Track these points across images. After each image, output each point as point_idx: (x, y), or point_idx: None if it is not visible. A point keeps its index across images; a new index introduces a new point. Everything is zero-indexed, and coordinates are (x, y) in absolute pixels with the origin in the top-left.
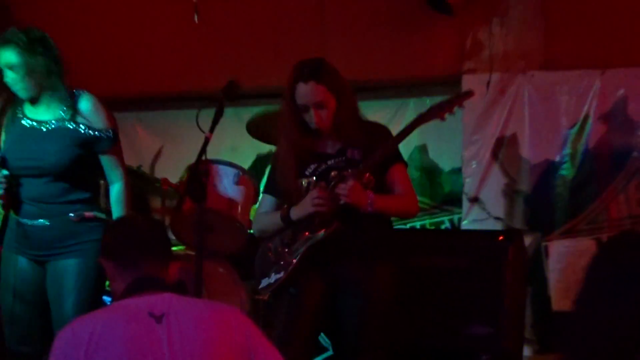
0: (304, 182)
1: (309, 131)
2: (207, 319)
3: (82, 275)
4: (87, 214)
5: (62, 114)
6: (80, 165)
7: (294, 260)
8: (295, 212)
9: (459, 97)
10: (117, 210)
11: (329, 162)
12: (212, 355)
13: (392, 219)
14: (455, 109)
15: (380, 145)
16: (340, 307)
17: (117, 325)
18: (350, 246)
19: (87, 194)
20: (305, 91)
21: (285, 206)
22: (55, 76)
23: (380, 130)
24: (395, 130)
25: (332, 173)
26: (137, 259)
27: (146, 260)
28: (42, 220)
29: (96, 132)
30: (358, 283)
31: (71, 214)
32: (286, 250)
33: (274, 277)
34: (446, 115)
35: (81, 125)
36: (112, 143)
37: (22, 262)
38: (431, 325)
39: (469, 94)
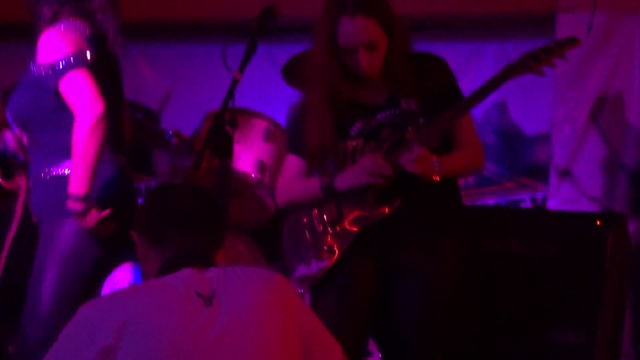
0: (350, 144)
1: (349, 78)
2: (261, 297)
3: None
4: (54, 169)
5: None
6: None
7: (342, 246)
8: (343, 182)
9: (561, 45)
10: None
11: (379, 117)
12: (268, 340)
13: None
14: (555, 60)
15: (450, 86)
16: (395, 299)
17: (157, 307)
18: (409, 224)
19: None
20: (352, 28)
21: (328, 173)
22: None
23: (438, 68)
24: (465, 82)
25: (385, 131)
26: (178, 235)
27: (188, 237)
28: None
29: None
30: (419, 269)
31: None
32: (330, 231)
33: (315, 266)
34: (543, 69)
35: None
36: (61, 75)
37: None
38: (506, 326)
39: (574, 41)
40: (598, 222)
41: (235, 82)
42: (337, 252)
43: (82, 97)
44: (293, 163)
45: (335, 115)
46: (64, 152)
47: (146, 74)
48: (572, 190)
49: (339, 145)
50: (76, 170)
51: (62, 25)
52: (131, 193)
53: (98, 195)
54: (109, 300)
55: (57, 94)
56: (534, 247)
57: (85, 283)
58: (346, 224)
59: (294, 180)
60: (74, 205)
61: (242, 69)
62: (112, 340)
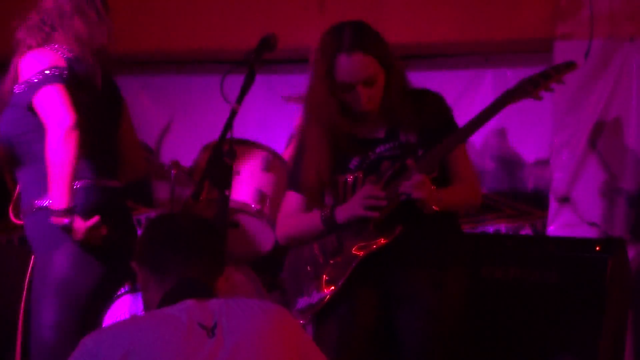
0: (349, 178)
1: (348, 114)
2: (263, 328)
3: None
4: (38, 202)
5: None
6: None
7: (344, 275)
8: (342, 214)
9: (559, 70)
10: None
11: (378, 150)
12: None
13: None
14: (553, 85)
15: (447, 120)
16: (398, 328)
17: (159, 341)
18: (411, 254)
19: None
20: (349, 65)
21: (328, 206)
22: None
23: (435, 101)
24: (463, 109)
25: (384, 163)
26: (179, 265)
27: (188, 266)
28: None
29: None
30: (421, 299)
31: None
32: (331, 262)
33: (316, 297)
34: (541, 94)
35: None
36: (35, 90)
37: None
38: (507, 353)
39: (572, 65)
40: (597, 248)
41: (233, 114)
42: (338, 281)
43: (53, 110)
44: (292, 199)
45: (334, 151)
46: (46, 182)
47: (146, 105)
48: (571, 216)
49: (339, 179)
50: (53, 185)
51: (43, 48)
52: (125, 219)
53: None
54: (110, 332)
55: (31, 111)
56: (534, 273)
57: (84, 309)
58: (347, 254)
59: (293, 215)
60: (59, 220)
61: (240, 99)
62: None
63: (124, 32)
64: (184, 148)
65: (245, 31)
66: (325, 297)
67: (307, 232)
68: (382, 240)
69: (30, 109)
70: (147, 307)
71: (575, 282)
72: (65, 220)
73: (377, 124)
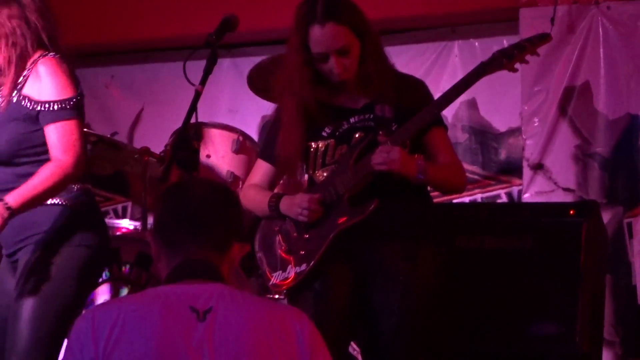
0: (321, 145)
1: (326, 85)
2: (262, 322)
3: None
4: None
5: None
6: (31, 144)
7: (319, 250)
8: (284, 207)
9: (533, 42)
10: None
11: (352, 120)
12: None
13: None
14: (527, 57)
15: (427, 104)
16: (373, 304)
17: (148, 317)
18: (384, 227)
19: None
20: (322, 36)
21: (275, 194)
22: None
23: (417, 86)
24: (435, 83)
25: (357, 134)
26: (188, 238)
27: (199, 242)
28: None
29: (39, 105)
30: (395, 272)
31: None
32: (305, 235)
33: (292, 271)
34: (515, 66)
35: (26, 98)
36: (54, 116)
37: None
38: (486, 323)
39: (545, 37)
40: (571, 212)
41: (197, 95)
42: (313, 257)
43: (68, 146)
44: (260, 169)
45: (308, 121)
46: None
47: (115, 95)
48: (546, 183)
49: (310, 145)
50: (31, 198)
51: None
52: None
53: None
54: (101, 308)
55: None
56: (510, 241)
57: (66, 318)
58: (321, 229)
59: (254, 187)
60: (3, 211)
61: (203, 81)
62: (102, 349)
63: (90, 24)
64: (156, 136)
65: (208, 15)
66: (302, 273)
67: (259, 210)
68: (358, 217)
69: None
70: (157, 277)
71: (551, 247)
72: (6, 214)
73: (356, 95)
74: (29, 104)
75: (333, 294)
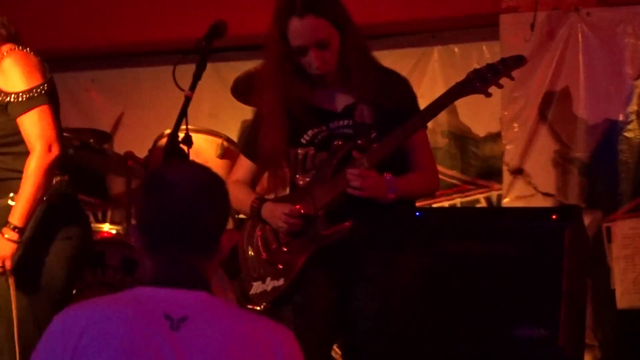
0: (300, 151)
1: (306, 80)
2: (238, 337)
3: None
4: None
5: None
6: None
7: (297, 266)
8: (266, 214)
9: (508, 65)
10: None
11: (332, 126)
12: None
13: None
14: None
15: (408, 104)
16: (351, 310)
17: (119, 323)
18: (364, 235)
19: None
20: (301, 28)
21: (258, 197)
22: None
23: (399, 84)
24: (415, 89)
25: (336, 141)
26: (172, 241)
27: (183, 246)
28: None
29: (8, 97)
30: (374, 279)
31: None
32: (284, 249)
33: (270, 284)
34: (489, 90)
35: None
36: (24, 106)
37: None
38: (468, 327)
39: (520, 60)
40: (554, 217)
41: (187, 101)
42: (292, 271)
43: (44, 133)
44: (243, 166)
45: (289, 121)
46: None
47: (96, 100)
48: (525, 188)
49: (291, 151)
50: (24, 204)
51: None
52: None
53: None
54: (74, 309)
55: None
56: (492, 246)
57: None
58: (300, 243)
59: (236, 184)
60: (12, 236)
61: (193, 87)
62: (70, 353)
63: (72, 28)
64: (137, 141)
65: (193, 20)
66: (279, 288)
67: (241, 210)
68: (334, 237)
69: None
70: (142, 278)
71: (533, 252)
72: (17, 237)
73: (336, 90)
74: None
75: (314, 305)
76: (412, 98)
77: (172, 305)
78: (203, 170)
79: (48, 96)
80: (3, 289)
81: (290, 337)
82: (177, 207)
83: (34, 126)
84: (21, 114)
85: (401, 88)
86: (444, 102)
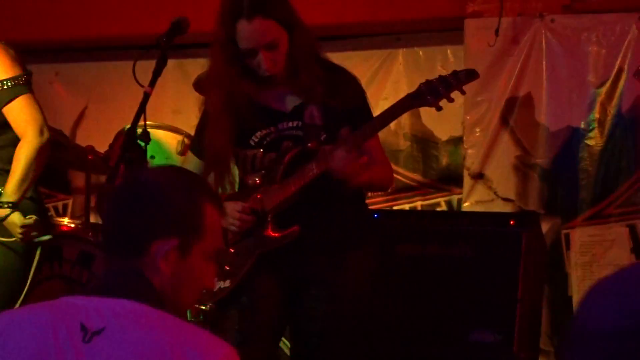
0: (249, 153)
1: (255, 80)
2: (157, 349)
3: None
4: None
5: None
6: None
7: (243, 268)
8: None
9: (460, 79)
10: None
11: (281, 127)
12: None
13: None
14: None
15: (356, 103)
16: (299, 314)
17: (29, 333)
18: (312, 238)
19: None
20: (250, 31)
21: (222, 179)
22: None
23: (349, 82)
24: (379, 91)
25: (285, 143)
26: (103, 248)
27: (108, 249)
28: None
29: None
30: (323, 282)
31: None
32: (231, 250)
33: (217, 285)
34: (440, 104)
35: None
36: (10, 94)
37: None
38: (425, 329)
39: (473, 74)
40: (512, 222)
41: (146, 97)
42: (239, 273)
43: (32, 118)
44: (192, 162)
45: (236, 122)
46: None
47: (60, 93)
48: (485, 192)
49: (239, 153)
50: (17, 182)
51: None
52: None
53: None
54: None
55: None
56: (450, 249)
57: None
58: (247, 244)
59: None
60: (4, 211)
61: (152, 83)
62: None
63: (36, 20)
64: (99, 134)
65: (157, 15)
66: (225, 290)
67: None
68: (280, 242)
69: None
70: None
71: (490, 256)
72: (7, 212)
73: (285, 90)
74: None
75: (259, 306)
76: (361, 97)
77: (91, 315)
78: (151, 172)
79: (30, 85)
80: None
81: (226, 353)
82: (104, 214)
83: (22, 112)
84: (8, 102)
85: (351, 86)
86: (394, 113)
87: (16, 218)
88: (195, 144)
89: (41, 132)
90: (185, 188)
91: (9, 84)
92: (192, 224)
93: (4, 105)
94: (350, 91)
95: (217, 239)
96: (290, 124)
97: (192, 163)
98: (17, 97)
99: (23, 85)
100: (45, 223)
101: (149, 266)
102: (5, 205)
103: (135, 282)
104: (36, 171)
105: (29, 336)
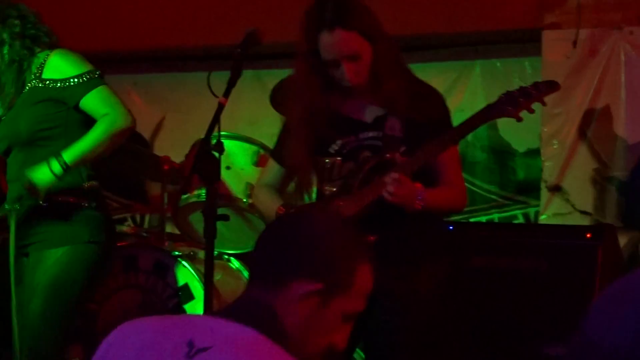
0: (328, 160)
1: (337, 90)
2: None
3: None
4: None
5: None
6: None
7: None
8: None
9: (540, 90)
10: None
11: (362, 136)
12: None
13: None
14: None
15: (440, 119)
16: (374, 326)
17: (131, 344)
18: (386, 254)
19: None
20: (332, 42)
21: (283, 206)
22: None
23: (432, 97)
24: (456, 102)
25: (364, 152)
26: (255, 266)
27: (251, 277)
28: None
29: (65, 82)
30: (394, 295)
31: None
32: None
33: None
34: (521, 115)
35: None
36: (88, 86)
37: None
38: (498, 342)
39: (554, 86)
40: (588, 235)
41: (220, 107)
42: None
43: (115, 104)
44: (272, 169)
45: (316, 132)
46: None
47: (137, 103)
48: (563, 205)
49: (319, 160)
50: (79, 154)
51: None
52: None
53: None
54: (121, 326)
55: (72, 108)
56: (525, 262)
57: (71, 308)
58: None
59: (265, 188)
60: (56, 167)
61: (227, 94)
62: None
63: (114, 31)
64: (177, 145)
65: (232, 27)
66: None
67: (267, 216)
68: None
69: (74, 107)
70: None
71: (566, 270)
72: (61, 172)
73: (367, 101)
74: (51, 84)
75: None
76: (445, 113)
77: (203, 333)
78: (323, 214)
79: (104, 79)
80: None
81: None
82: (259, 239)
83: (102, 101)
84: (85, 94)
85: (434, 102)
86: (474, 123)
87: (54, 182)
88: (277, 150)
89: (127, 116)
90: (348, 240)
91: (85, 77)
92: (342, 278)
93: (81, 97)
94: (433, 105)
95: (361, 303)
96: (370, 134)
97: (273, 170)
98: (94, 88)
99: (98, 78)
100: (109, 229)
101: (285, 304)
102: (62, 163)
103: (262, 312)
104: (105, 151)
105: (135, 353)
